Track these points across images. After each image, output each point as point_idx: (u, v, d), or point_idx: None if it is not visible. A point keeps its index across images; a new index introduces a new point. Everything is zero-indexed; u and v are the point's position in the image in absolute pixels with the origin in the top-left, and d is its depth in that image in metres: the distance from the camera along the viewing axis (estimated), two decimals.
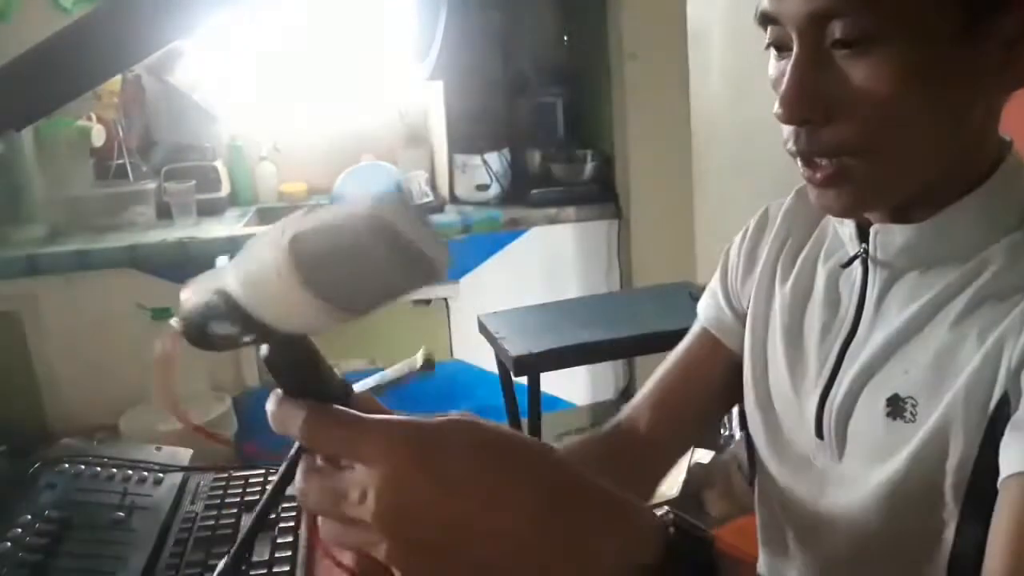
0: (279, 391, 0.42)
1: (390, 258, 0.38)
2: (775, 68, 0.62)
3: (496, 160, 2.64)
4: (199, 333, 0.42)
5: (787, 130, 0.61)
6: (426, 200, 2.61)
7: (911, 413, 0.62)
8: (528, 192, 2.61)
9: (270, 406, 0.42)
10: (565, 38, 2.89)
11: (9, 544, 0.82)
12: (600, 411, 2.70)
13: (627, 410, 0.87)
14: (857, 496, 0.66)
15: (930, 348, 0.61)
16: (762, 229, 0.81)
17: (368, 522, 0.37)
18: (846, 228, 0.68)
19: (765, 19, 0.61)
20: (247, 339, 0.41)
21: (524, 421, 1.97)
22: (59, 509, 0.89)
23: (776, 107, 0.59)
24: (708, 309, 0.86)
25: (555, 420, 2.46)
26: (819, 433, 0.69)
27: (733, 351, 0.82)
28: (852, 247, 0.68)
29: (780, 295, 0.76)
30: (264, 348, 0.42)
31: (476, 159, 2.61)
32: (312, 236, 0.39)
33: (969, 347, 0.59)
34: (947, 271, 0.62)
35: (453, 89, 2.61)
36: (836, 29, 0.56)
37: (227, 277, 0.41)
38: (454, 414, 0.41)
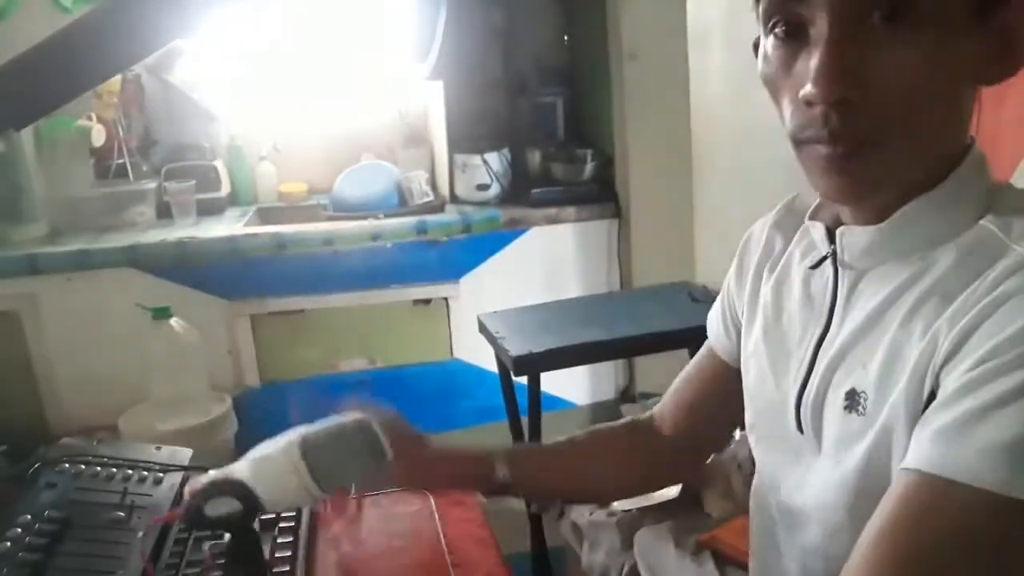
0: None
1: (364, 449, 0.60)
2: (777, 58, 0.62)
3: (496, 160, 2.64)
4: (197, 511, 0.59)
5: (804, 116, 0.60)
6: (426, 200, 2.62)
7: (863, 407, 0.63)
8: (528, 192, 2.61)
9: None
10: (565, 38, 2.89)
11: (9, 544, 0.82)
12: (600, 411, 2.70)
13: (654, 411, 0.96)
14: (826, 489, 0.67)
15: (882, 344, 0.62)
16: (747, 246, 0.84)
17: None
18: (817, 230, 0.70)
19: (782, 1, 0.59)
20: (232, 519, 0.58)
21: (524, 421, 1.98)
22: (59, 509, 0.89)
23: (808, 88, 0.57)
24: (713, 327, 0.90)
25: (555, 420, 2.46)
26: (800, 428, 0.71)
27: (737, 368, 0.85)
28: (823, 248, 0.70)
29: (763, 296, 0.78)
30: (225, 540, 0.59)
31: (476, 159, 2.61)
32: (314, 435, 0.60)
33: (913, 345, 0.60)
34: (902, 269, 0.63)
35: (453, 89, 2.61)
36: (878, 4, 0.56)
37: (236, 467, 0.59)
38: None
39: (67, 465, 0.98)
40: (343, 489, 0.63)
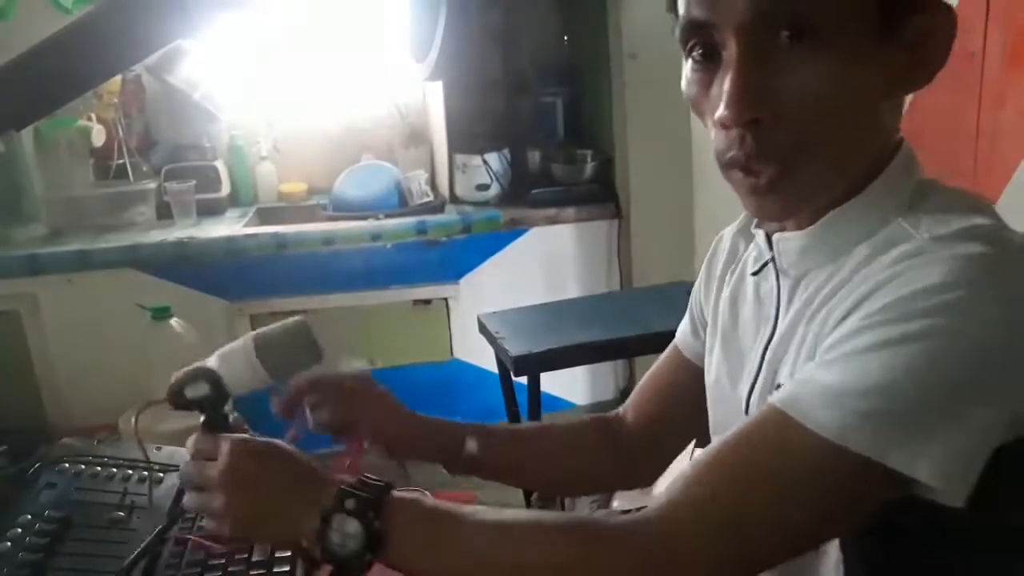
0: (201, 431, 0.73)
1: (304, 346, 0.74)
2: (696, 81, 0.63)
3: (496, 160, 2.64)
4: (178, 395, 0.73)
5: (723, 139, 0.61)
6: (426, 200, 2.62)
7: None
8: (528, 192, 2.61)
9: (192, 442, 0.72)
10: (565, 38, 2.89)
11: (9, 544, 0.82)
12: (600, 411, 2.69)
13: (619, 409, 0.98)
14: None
15: (798, 340, 0.65)
16: (715, 253, 0.86)
17: (217, 484, 0.66)
18: (760, 237, 0.72)
19: (695, 28, 0.60)
20: (207, 401, 0.73)
21: (524, 420, 1.97)
22: (59, 509, 0.89)
23: (720, 110, 0.58)
24: (681, 328, 0.92)
25: (555, 420, 2.46)
26: None
27: (700, 367, 0.87)
28: (765, 254, 0.71)
29: (722, 302, 0.80)
30: (203, 417, 0.73)
31: (476, 159, 2.61)
32: (264, 334, 0.73)
33: (815, 332, 0.62)
34: (824, 270, 0.65)
35: (453, 89, 2.61)
36: (783, 25, 0.57)
37: (208, 360, 0.73)
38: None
39: (67, 465, 0.98)
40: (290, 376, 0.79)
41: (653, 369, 0.95)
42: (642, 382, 0.95)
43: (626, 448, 0.94)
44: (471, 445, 0.88)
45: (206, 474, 0.67)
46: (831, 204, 0.64)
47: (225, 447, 0.67)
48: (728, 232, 0.84)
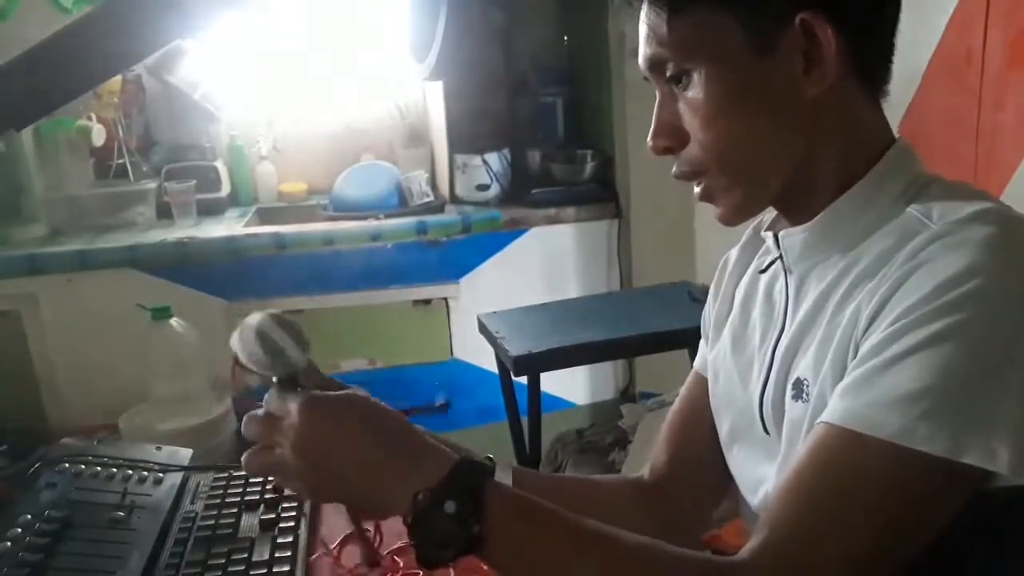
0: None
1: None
2: None
3: (496, 160, 2.64)
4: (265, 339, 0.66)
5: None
6: (426, 200, 2.62)
7: (806, 394, 0.66)
8: (528, 192, 2.61)
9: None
10: (565, 38, 2.89)
11: (9, 544, 0.82)
12: (600, 411, 2.70)
13: (644, 470, 0.91)
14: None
15: (818, 336, 0.65)
16: (723, 271, 0.86)
17: (287, 449, 0.61)
18: (769, 238, 0.73)
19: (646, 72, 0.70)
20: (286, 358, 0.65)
21: (524, 420, 1.98)
22: (59, 509, 0.89)
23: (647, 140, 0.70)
24: (699, 353, 0.90)
25: (555, 420, 2.46)
26: (765, 430, 0.73)
27: None
28: (773, 252, 0.73)
29: (733, 311, 0.81)
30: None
31: (476, 159, 2.61)
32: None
33: (842, 326, 0.63)
34: (837, 263, 0.67)
35: (453, 89, 2.61)
36: (667, 70, 0.67)
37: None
38: (352, 388, 0.66)
39: (67, 465, 0.98)
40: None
41: (676, 404, 0.90)
42: (666, 422, 0.90)
43: (661, 502, 0.87)
44: (505, 479, 0.78)
45: (274, 437, 0.62)
46: (829, 198, 0.66)
47: (294, 407, 0.61)
48: (734, 250, 0.85)
